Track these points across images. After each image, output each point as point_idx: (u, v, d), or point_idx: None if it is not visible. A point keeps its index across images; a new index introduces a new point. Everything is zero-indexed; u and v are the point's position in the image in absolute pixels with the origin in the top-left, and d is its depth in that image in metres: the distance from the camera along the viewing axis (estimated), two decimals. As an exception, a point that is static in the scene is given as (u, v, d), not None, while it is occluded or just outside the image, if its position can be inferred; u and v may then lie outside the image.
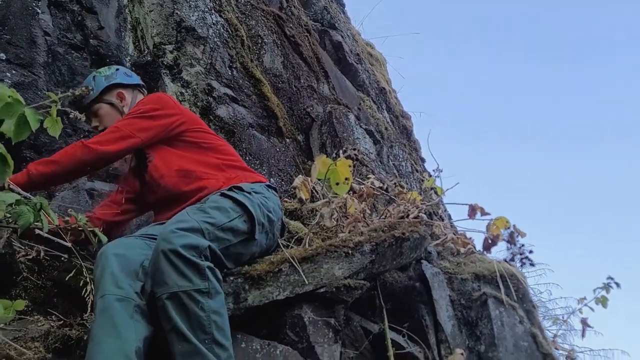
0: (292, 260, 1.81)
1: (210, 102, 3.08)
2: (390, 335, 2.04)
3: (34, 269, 1.89)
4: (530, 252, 2.13)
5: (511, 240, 2.15)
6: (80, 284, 1.74)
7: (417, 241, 2.14)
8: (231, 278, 1.74)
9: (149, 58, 3.08)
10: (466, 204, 2.30)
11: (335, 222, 2.15)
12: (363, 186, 2.22)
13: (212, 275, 1.51)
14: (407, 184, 3.77)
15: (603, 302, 3.02)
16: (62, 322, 1.64)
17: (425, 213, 2.21)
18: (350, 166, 2.07)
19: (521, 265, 2.21)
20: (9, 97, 1.11)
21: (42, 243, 1.86)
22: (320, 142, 3.57)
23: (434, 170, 2.79)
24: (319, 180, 2.21)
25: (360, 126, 3.86)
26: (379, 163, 3.84)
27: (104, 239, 1.64)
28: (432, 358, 2.09)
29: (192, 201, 1.85)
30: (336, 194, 2.25)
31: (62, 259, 1.95)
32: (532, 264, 2.17)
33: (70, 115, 1.44)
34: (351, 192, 2.36)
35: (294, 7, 4.57)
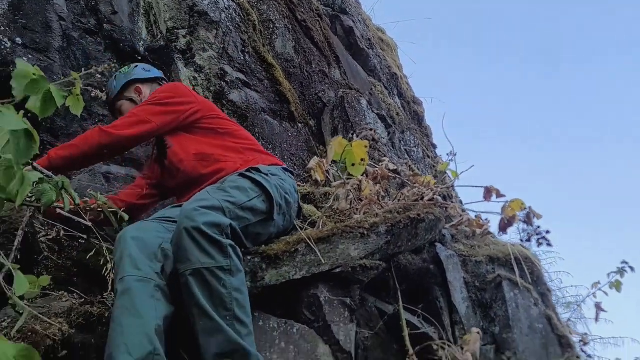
0: (308, 241, 1.83)
1: (223, 87, 3.09)
2: (405, 316, 2.05)
3: (55, 249, 1.92)
4: (547, 232, 2.13)
5: (528, 221, 2.14)
6: (101, 263, 1.77)
7: (432, 223, 2.14)
8: (249, 257, 1.76)
9: (162, 43, 3.09)
10: (481, 187, 2.30)
11: (350, 204, 2.16)
12: (378, 169, 2.22)
13: (234, 253, 1.53)
14: (418, 169, 3.76)
15: (617, 286, 3.00)
16: (83, 299, 1.66)
17: (440, 196, 2.21)
18: (366, 147, 2.08)
19: (538, 246, 2.21)
20: (33, 74, 1.12)
21: (62, 222, 1.89)
22: (332, 127, 3.57)
23: (447, 154, 2.78)
24: (334, 162, 2.21)
25: (373, 111, 3.85)
26: (391, 148, 3.83)
27: (126, 216, 1.66)
28: (447, 339, 2.10)
29: (210, 183, 1.88)
30: (350, 176, 2.25)
31: (80, 240, 1.98)
32: (549, 244, 2.16)
33: (92, 94, 1.46)
34: (365, 174, 2.36)
35: (305, -9, 4.54)
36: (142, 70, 2.34)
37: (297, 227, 2.01)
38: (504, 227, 2.21)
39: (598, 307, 2.88)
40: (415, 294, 2.20)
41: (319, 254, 1.81)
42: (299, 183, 2.95)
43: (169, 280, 1.56)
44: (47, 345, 1.39)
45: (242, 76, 3.25)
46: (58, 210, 1.65)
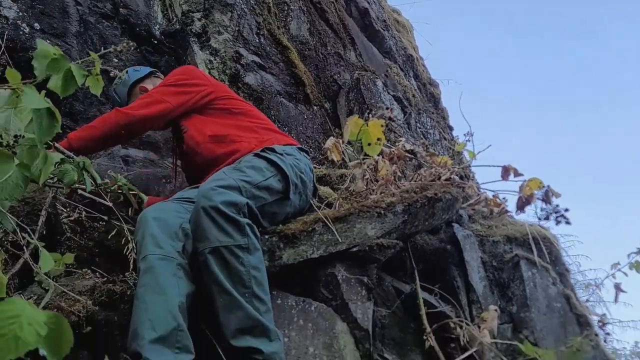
0: (325, 220, 1.84)
1: (239, 70, 3.09)
2: (421, 294, 2.06)
3: (77, 230, 1.96)
4: (566, 210, 2.10)
5: (546, 199, 2.12)
6: (122, 243, 1.80)
7: (449, 202, 2.13)
8: (266, 237, 1.77)
9: (177, 26, 3.09)
10: (499, 166, 2.27)
11: (366, 185, 2.16)
12: (394, 149, 2.21)
13: (251, 231, 1.54)
14: (435, 151, 3.73)
15: (637, 267, 2.97)
16: (105, 278, 1.70)
17: (457, 175, 2.20)
18: (382, 126, 2.07)
19: (557, 224, 2.19)
20: (54, 54, 1.13)
21: (83, 203, 1.93)
22: (347, 109, 3.56)
23: (464, 135, 2.76)
24: (350, 143, 2.21)
25: (388, 93, 3.82)
26: (407, 130, 3.81)
27: (144, 197, 1.68)
28: (464, 317, 2.10)
29: (226, 163, 1.89)
30: (366, 156, 2.25)
31: (102, 221, 2.02)
32: (567, 222, 2.14)
33: (111, 74, 1.48)
34: (381, 155, 2.35)
35: (319, -27, 4.50)
36: (133, 71, 2.37)
37: (314, 207, 2.02)
38: (521, 205, 2.19)
39: (617, 288, 2.86)
40: (432, 273, 2.20)
41: (336, 233, 1.82)
42: (314, 165, 2.96)
43: (189, 258, 1.59)
44: (72, 322, 1.42)
45: (257, 59, 3.25)
46: (79, 191, 1.67)
